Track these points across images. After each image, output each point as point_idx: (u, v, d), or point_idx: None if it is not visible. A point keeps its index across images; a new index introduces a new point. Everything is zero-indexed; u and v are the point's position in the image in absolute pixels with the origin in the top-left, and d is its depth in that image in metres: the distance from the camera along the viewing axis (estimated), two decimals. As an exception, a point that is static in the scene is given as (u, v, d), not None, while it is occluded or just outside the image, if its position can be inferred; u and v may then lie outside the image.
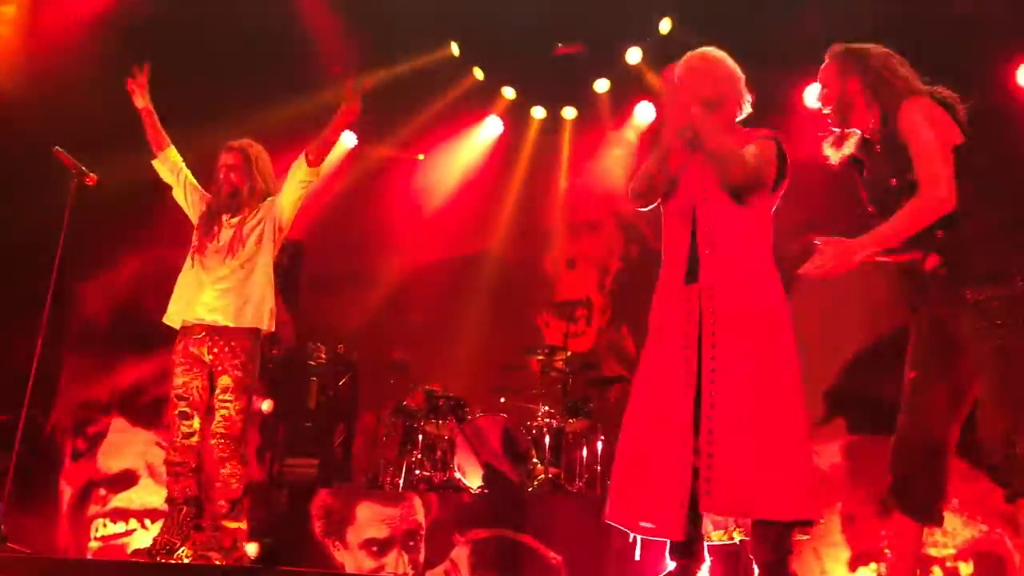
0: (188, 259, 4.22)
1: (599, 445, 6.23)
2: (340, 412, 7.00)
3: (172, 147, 4.40)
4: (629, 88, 7.53)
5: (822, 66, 3.29)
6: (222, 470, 3.96)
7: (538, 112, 7.97)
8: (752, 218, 3.18)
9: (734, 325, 3.06)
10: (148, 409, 7.32)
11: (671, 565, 3.10)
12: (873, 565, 6.03)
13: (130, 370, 7.42)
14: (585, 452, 6.25)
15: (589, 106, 7.76)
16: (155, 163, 4.40)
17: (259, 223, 4.19)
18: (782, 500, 2.91)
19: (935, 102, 3.06)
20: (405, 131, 7.92)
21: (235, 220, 4.19)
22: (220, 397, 3.99)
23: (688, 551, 3.08)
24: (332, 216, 7.87)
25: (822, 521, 3.13)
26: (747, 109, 3.38)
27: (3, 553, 3.76)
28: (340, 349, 7.03)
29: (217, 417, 3.96)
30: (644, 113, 7.60)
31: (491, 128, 8.00)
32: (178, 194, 4.39)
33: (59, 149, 4.22)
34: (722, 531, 3.15)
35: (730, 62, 3.38)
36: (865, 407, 6.08)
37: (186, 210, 4.40)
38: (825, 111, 3.27)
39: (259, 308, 4.09)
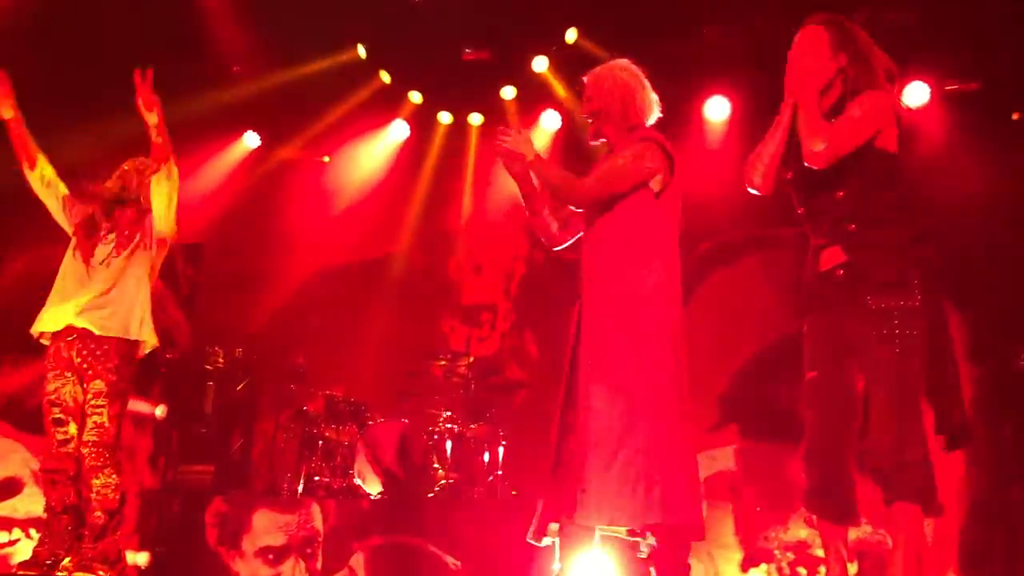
0: (65, 263, 4.11)
1: (500, 450, 6.25)
2: (238, 417, 6.86)
3: (43, 159, 4.28)
4: (535, 96, 7.58)
5: (804, 31, 3.17)
6: (95, 480, 3.82)
7: (444, 117, 7.96)
8: (626, 231, 3.26)
9: (589, 341, 3.20)
10: (33, 414, 7.02)
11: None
12: (764, 566, 6.20)
13: (14, 374, 7.12)
14: (487, 457, 6.26)
15: (495, 112, 7.78)
16: (30, 178, 4.26)
17: (134, 233, 4.09)
18: (610, 507, 3.00)
19: (895, 102, 3.10)
20: (310, 133, 7.81)
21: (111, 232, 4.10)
22: (92, 403, 3.86)
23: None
24: (233, 217, 7.72)
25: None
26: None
27: None
28: (238, 353, 6.88)
29: (89, 424, 3.83)
30: (549, 120, 7.66)
31: (397, 132, 7.96)
32: (55, 208, 4.27)
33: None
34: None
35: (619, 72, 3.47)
36: (755, 412, 6.26)
37: (61, 222, 4.29)
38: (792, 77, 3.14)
39: (126, 318, 3.98)
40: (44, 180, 4.22)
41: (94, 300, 3.97)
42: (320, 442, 6.23)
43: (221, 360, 6.70)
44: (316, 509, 5.61)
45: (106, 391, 3.87)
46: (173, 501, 6.09)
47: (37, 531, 6.53)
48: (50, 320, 3.99)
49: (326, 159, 8.12)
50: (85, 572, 3.70)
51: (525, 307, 7.79)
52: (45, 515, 3.92)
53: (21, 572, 3.75)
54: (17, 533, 6.73)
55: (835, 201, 3.10)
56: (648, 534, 3.08)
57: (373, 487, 5.94)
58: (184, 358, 6.65)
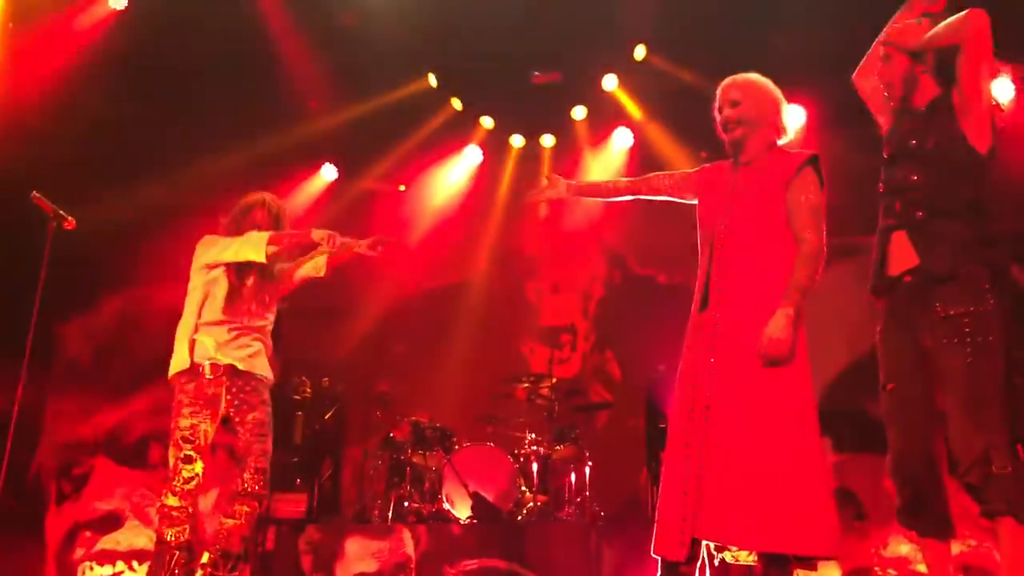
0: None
1: (587, 471, 6.22)
2: (326, 446, 6.96)
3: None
4: (605, 114, 7.61)
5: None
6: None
7: (516, 140, 8.03)
8: (775, 248, 3.19)
9: (736, 356, 3.09)
10: (133, 449, 7.28)
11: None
12: (864, 583, 6.03)
13: (114, 410, 7.38)
14: (573, 478, 6.24)
15: (567, 133, 7.83)
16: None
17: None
18: (771, 531, 2.91)
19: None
20: (385, 163, 7.95)
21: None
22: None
23: (678, 573, 3.08)
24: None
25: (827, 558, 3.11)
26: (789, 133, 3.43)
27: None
28: (325, 382, 7.00)
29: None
30: (621, 139, 7.66)
31: (470, 158, 8.05)
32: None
33: (37, 194, 4.21)
34: (746, 552, 3.13)
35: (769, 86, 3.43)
36: (851, 425, 6.12)
37: None
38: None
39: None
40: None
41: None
42: (408, 468, 6.29)
43: (308, 390, 6.82)
44: (407, 534, 5.66)
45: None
46: (268, 530, 6.21)
47: (139, 563, 6.76)
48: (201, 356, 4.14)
49: (402, 188, 8.25)
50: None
51: (605, 327, 7.76)
52: (154, 548, 4.00)
53: None
54: (120, 566, 6.95)
55: (909, 183, 3.08)
56: (752, 555, 3.04)
57: (462, 511, 5.97)
58: (272, 389, 6.78)
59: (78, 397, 7.43)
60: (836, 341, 6.36)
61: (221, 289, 4.11)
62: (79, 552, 7.00)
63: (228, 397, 4.00)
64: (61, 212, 4.24)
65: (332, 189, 8.15)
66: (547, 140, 7.95)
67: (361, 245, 4.22)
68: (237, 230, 4.22)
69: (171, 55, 6.68)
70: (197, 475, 3.92)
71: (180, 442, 3.92)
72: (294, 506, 6.52)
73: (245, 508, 3.96)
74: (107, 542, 7.02)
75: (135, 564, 6.86)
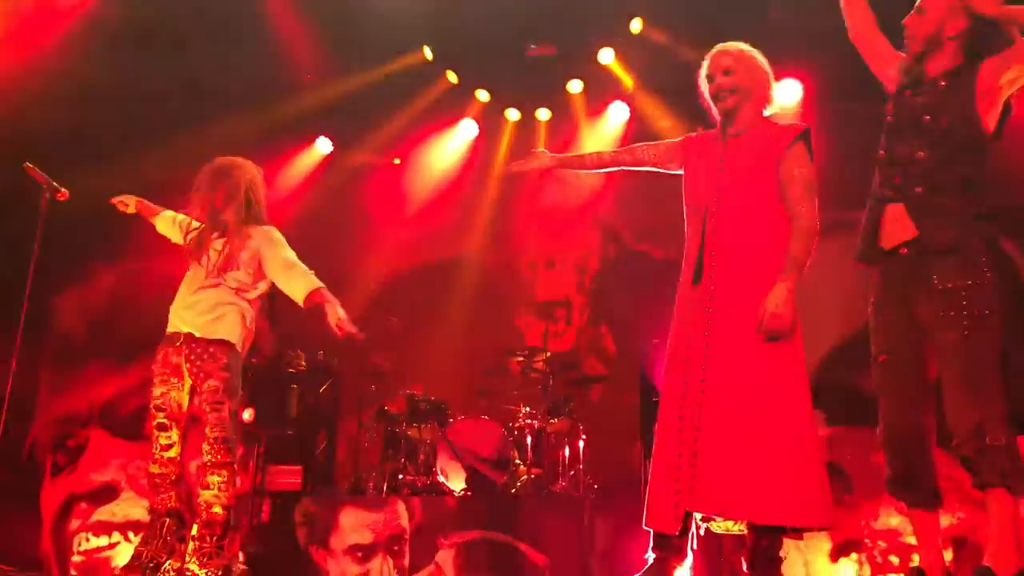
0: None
1: (580, 445, 6.26)
2: (322, 419, 6.98)
3: (163, 212, 4.48)
4: (601, 88, 7.57)
5: None
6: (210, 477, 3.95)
7: (512, 114, 8.00)
8: (768, 221, 3.19)
9: (731, 329, 3.09)
10: (128, 421, 7.29)
11: (651, 557, 3.13)
12: (855, 555, 6.09)
13: (108, 383, 7.38)
14: (567, 451, 6.27)
15: (563, 107, 7.79)
16: (156, 225, 4.49)
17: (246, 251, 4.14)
18: (765, 503, 2.93)
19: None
20: (380, 136, 7.91)
21: (220, 242, 4.14)
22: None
23: (670, 544, 3.11)
24: (309, 222, 7.83)
25: (821, 529, 3.14)
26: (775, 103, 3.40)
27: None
28: (320, 356, 7.01)
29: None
30: (617, 112, 7.63)
31: (466, 131, 8.01)
32: (173, 233, 4.41)
33: (29, 165, 4.19)
34: (731, 521, 3.14)
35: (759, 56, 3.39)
36: (843, 399, 6.15)
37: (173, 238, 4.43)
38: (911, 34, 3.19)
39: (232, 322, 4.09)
40: (167, 221, 4.47)
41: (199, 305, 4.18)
42: (403, 441, 6.31)
43: (303, 363, 6.83)
44: (402, 507, 5.70)
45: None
46: (263, 503, 6.24)
47: (135, 534, 6.79)
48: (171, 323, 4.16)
49: (397, 161, 8.22)
50: (188, 571, 3.81)
51: (600, 301, 7.77)
52: (148, 517, 4.02)
53: (128, 572, 3.85)
54: (116, 536, 6.98)
55: (914, 158, 3.07)
56: (740, 525, 3.06)
57: (457, 484, 6.00)
58: (268, 363, 6.80)
59: (72, 370, 7.44)
60: (829, 316, 6.37)
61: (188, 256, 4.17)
62: (75, 523, 7.04)
63: (187, 365, 3.98)
64: (54, 183, 4.21)
65: (327, 163, 8.12)
66: (543, 113, 7.91)
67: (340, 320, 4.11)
68: (209, 192, 4.19)
69: (163, 25, 6.63)
70: (174, 443, 3.95)
71: (154, 410, 3.98)
72: (289, 478, 6.55)
73: (216, 478, 3.92)
74: (103, 513, 7.06)
75: (131, 535, 6.89)
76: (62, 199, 4.24)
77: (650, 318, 6.21)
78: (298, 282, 4.08)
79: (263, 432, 6.50)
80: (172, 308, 4.13)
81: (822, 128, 3.32)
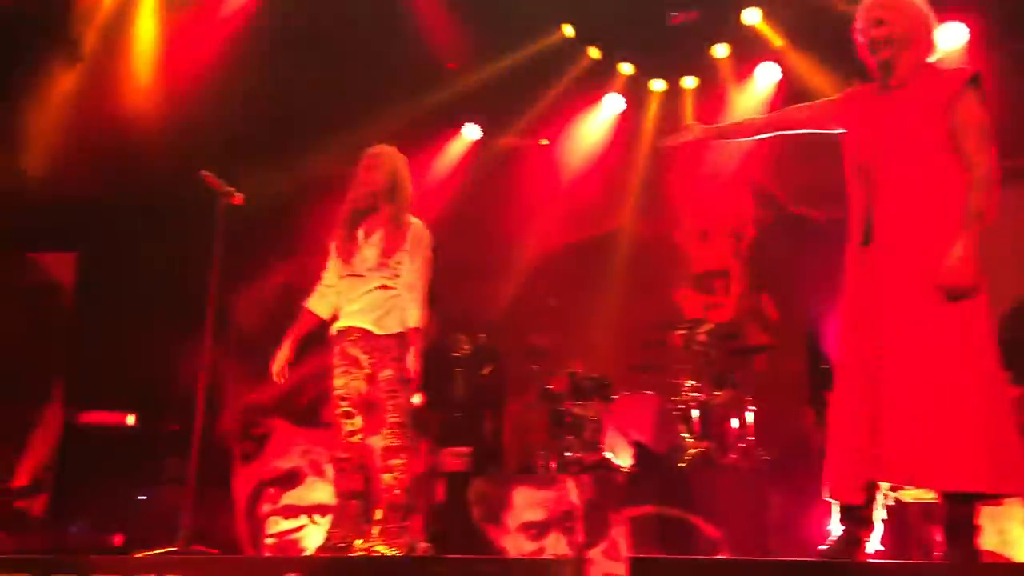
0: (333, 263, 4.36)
1: (748, 416, 6.14)
2: (487, 400, 7.13)
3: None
4: (748, 50, 7.36)
5: None
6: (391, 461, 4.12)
7: (657, 85, 7.88)
8: (939, 174, 3.03)
9: (909, 289, 2.96)
10: (306, 410, 7.66)
11: (838, 531, 3.05)
12: (1052, 522, 5.73)
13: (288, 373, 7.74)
14: (735, 423, 6.17)
15: (709, 73, 7.62)
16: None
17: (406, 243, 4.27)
18: (957, 470, 2.80)
19: None
20: (527, 118, 7.95)
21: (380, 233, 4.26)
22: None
23: (857, 516, 3.02)
24: (462, 206, 8.00)
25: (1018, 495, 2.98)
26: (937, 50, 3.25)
27: (194, 555, 4.03)
28: (482, 338, 7.15)
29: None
30: (767, 74, 7.40)
31: (612, 106, 7.96)
32: None
33: (206, 173, 4.42)
34: (922, 490, 3.03)
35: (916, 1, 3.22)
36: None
37: None
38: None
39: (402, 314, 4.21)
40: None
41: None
42: (568, 419, 6.37)
43: (467, 346, 6.98)
44: (571, 484, 5.76)
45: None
46: (437, 484, 6.43)
47: (321, 516, 7.14)
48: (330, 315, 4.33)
49: (545, 142, 8.25)
50: (377, 551, 3.99)
51: (759, 269, 7.58)
52: (335, 501, 4.21)
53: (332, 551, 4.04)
54: (304, 520, 7.36)
55: None
56: (932, 493, 2.94)
57: (624, 460, 6.01)
58: (432, 347, 6.99)
59: (251, 363, 7.84)
60: (1009, 269, 6.01)
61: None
62: (265, 507, 7.46)
63: (365, 356, 4.17)
64: (229, 188, 4.44)
65: (476, 147, 8.23)
66: (689, 82, 7.76)
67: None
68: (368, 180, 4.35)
69: (316, 25, 6.88)
70: (358, 429, 4.12)
71: (337, 400, 4.16)
72: (459, 460, 6.74)
73: (396, 461, 4.10)
74: (290, 498, 7.44)
75: (317, 518, 7.25)
76: (237, 203, 4.46)
77: (814, 282, 6.01)
78: (410, 309, 4.20)
79: (433, 416, 6.70)
80: (336, 300, 4.29)
81: (992, 71, 3.10)
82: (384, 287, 4.22)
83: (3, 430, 7.29)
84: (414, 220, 4.34)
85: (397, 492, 4.08)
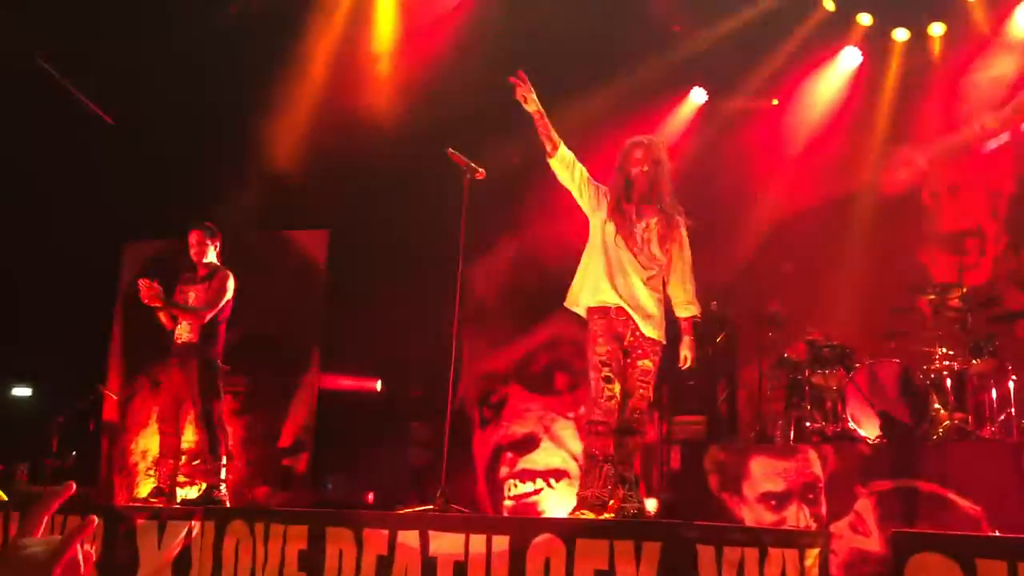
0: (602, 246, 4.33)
1: (1011, 385, 5.71)
2: (721, 369, 7.04)
3: (563, 146, 4.37)
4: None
5: None
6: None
7: (900, 34, 7.38)
8: None
9: None
10: (539, 377, 7.88)
11: None
12: None
13: (520, 343, 8.01)
14: (994, 394, 5.76)
15: (958, 17, 7.05)
16: (552, 163, 4.39)
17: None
18: None
19: None
20: (756, 78, 7.69)
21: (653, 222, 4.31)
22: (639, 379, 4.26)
23: None
24: (691, 173, 7.88)
25: None
26: None
27: (452, 514, 4.26)
28: (713, 306, 7.03)
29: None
30: (1025, 16, 6.78)
31: (848, 60, 7.54)
32: (575, 189, 4.41)
33: (452, 150, 4.59)
34: None
35: None
36: None
37: (582, 205, 4.43)
38: None
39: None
40: (565, 163, 4.37)
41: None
42: (807, 387, 6.17)
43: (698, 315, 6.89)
44: (813, 454, 5.59)
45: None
46: (672, 451, 6.44)
47: (556, 480, 7.35)
48: (593, 296, 4.30)
49: (775, 102, 7.95)
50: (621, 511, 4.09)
51: (1020, 227, 6.97)
52: (587, 462, 4.31)
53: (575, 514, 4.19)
54: (540, 483, 7.60)
55: None
56: None
57: (870, 431, 5.77)
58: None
59: (487, 333, 8.16)
60: None
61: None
62: (504, 471, 7.76)
63: (631, 338, 4.23)
64: (473, 165, 4.59)
65: (703, 111, 8.07)
66: (936, 29, 7.21)
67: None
68: (619, 172, 4.35)
69: (530, 8, 6.99)
70: (615, 396, 4.17)
71: (600, 365, 4.18)
72: (694, 428, 6.71)
73: (629, 441, 4.25)
74: (526, 462, 7.71)
75: (552, 481, 7.47)
76: (480, 178, 4.61)
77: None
78: (687, 302, 4.44)
79: (664, 382, 6.68)
80: (604, 282, 4.25)
81: None
82: (650, 276, 4.31)
83: (270, 396, 8.00)
84: (682, 219, 4.42)
85: (627, 467, 4.23)
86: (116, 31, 7.24)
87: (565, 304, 4.39)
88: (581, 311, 4.33)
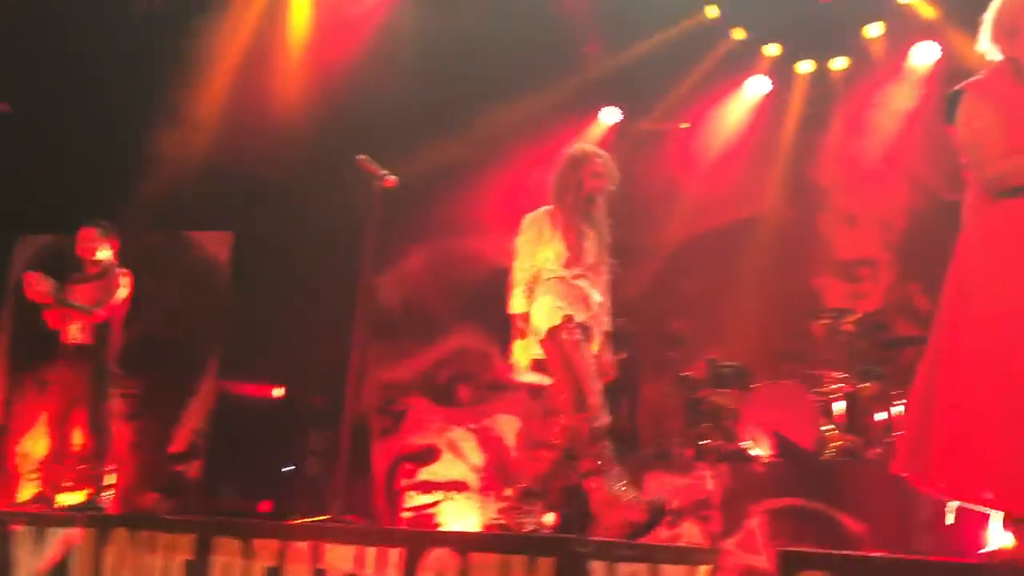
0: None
1: (895, 410, 5.92)
2: (622, 385, 7.09)
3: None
4: (903, 29, 7.04)
5: None
6: None
7: (805, 66, 7.62)
8: None
9: None
10: (443, 389, 7.83)
11: (1006, 540, 2.87)
12: None
13: (424, 354, 7.95)
14: (882, 417, 5.96)
15: (860, 53, 7.32)
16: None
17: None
18: None
19: None
20: (667, 101, 7.84)
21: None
22: None
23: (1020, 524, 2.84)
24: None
25: None
26: None
27: (347, 524, 4.19)
28: (618, 322, 7.10)
29: None
30: (921, 54, 7.06)
31: (756, 88, 7.75)
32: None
33: (363, 157, 4.51)
34: None
35: None
36: None
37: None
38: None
39: None
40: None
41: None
42: (705, 407, 6.29)
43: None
44: (707, 473, 5.68)
45: None
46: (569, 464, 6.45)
47: (457, 493, 7.30)
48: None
49: (686, 125, 8.11)
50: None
51: (910, 259, 7.25)
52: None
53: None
54: (439, 495, 7.54)
55: None
56: None
57: (764, 450, 5.90)
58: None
59: (392, 342, 8.07)
60: None
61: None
62: (403, 482, 7.68)
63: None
64: (384, 172, 4.51)
65: (615, 131, 8.17)
66: (838, 63, 7.48)
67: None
68: (572, 182, 4.30)
69: (452, 22, 6.98)
70: None
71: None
72: (595, 443, 6.73)
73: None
74: (426, 473, 7.64)
75: (453, 494, 7.42)
76: (390, 186, 4.55)
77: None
78: None
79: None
80: (566, 299, 4.25)
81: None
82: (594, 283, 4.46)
83: (164, 400, 7.75)
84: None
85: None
86: (14, 20, 6.97)
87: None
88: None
